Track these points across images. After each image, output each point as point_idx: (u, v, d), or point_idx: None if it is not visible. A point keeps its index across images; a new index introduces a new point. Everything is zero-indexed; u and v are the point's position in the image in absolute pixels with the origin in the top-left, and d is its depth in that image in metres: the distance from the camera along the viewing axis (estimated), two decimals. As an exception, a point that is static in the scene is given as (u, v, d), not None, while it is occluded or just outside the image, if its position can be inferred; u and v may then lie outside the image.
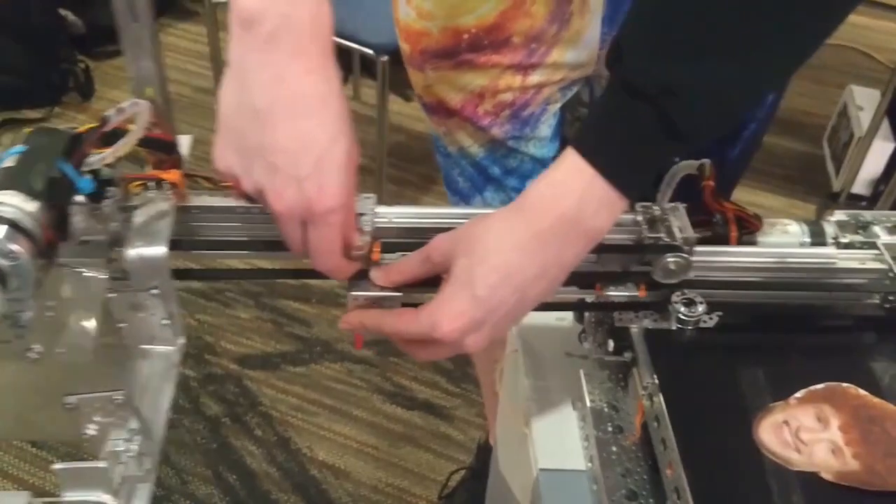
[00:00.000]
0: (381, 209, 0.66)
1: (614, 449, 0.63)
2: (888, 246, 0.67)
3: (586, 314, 0.69)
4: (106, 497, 0.53)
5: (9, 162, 0.55)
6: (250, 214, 0.65)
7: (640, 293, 0.64)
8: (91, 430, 0.56)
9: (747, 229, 0.67)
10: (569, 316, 0.72)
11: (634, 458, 0.62)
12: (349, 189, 0.56)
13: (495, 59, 0.80)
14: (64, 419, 0.56)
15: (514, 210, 0.56)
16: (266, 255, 0.65)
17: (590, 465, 0.64)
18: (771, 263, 0.66)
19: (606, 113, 0.54)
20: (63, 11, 2.32)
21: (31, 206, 0.52)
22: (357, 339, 0.65)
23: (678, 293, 0.64)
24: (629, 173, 0.54)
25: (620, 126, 0.53)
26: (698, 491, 0.53)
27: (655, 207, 0.65)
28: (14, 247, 0.50)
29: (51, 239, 0.54)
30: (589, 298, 0.67)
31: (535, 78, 0.82)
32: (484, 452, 1.39)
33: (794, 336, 0.66)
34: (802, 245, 0.68)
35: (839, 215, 0.69)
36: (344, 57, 2.34)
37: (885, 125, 1.94)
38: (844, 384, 0.60)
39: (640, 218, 0.65)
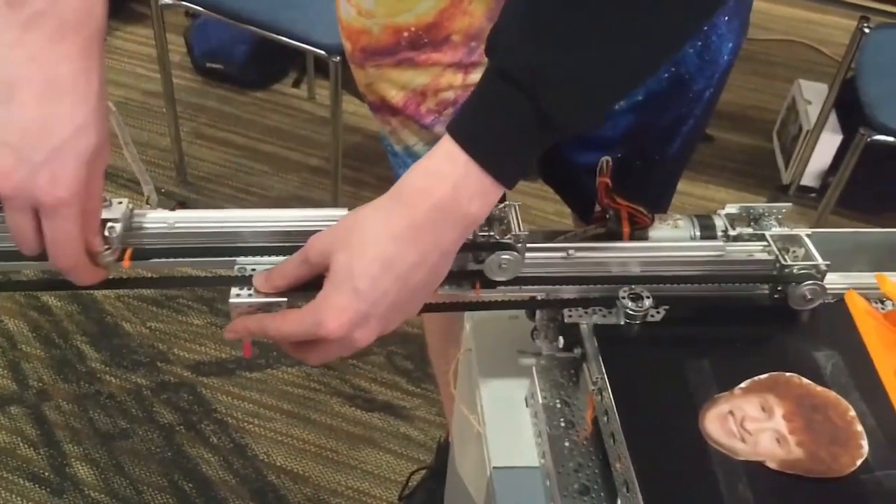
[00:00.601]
0: (138, 212, 0.64)
1: (566, 444, 0.63)
2: (776, 237, 0.67)
3: (538, 312, 0.69)
4: None
5: None
6: None
7: (475, 291, 0.64)
8: None
9: (638, 225, 0.68)
10: (521, 314, 0.72)
11: (586, 453, 0.62)
12: (89, 185, 0.54)
13: (435, 57, 0.80)
14: None
15: (389, 200, 0.56)
16: (9, 265, 0.62)
17: (542, 461, 0.64)
18: (660, 257, 0.67)
19: (481, 100, 0.54)
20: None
21: None
22: (245, 346, 0.64)
23: (625, 288, 0.65)
24: (503, 160, 0.54)
25: (494, 113, 0.54)
26: (646, 483, 0.53)
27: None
28: None
29: None
30: (540, 296, 0.67)
31: (476, 76, 0.82)
32: (444, 452, 1.39)
33: (738, 328, 0.66)
34: (693, 238, 0.69)
35: (730, 208, 0.70)
36: (298, 58, 2.33)
37: (833, 118, 1.98)
38: (787, 374, 0.61)
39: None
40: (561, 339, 0.67)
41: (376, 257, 0.54)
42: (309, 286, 0.58)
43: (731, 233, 0.69)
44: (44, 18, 0.52)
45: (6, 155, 0.52)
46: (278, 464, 1.49)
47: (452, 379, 0.83)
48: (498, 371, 0.73)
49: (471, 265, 0.64)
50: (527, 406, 0.69)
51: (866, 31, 1.75)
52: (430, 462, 1.46)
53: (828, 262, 0.65)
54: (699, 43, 0.83)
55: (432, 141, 0.88)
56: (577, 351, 0.65)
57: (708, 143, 2.20)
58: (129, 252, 0.61)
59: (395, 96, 0.84)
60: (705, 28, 0.83)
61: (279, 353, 1.66)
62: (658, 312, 0.64)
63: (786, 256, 0.66)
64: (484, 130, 0.54)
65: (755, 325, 0.67)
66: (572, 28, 0.51)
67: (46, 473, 1.45)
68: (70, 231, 0.55)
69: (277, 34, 1.69)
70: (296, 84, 2.36)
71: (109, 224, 0.60)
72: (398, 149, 0.91)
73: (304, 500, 1.44)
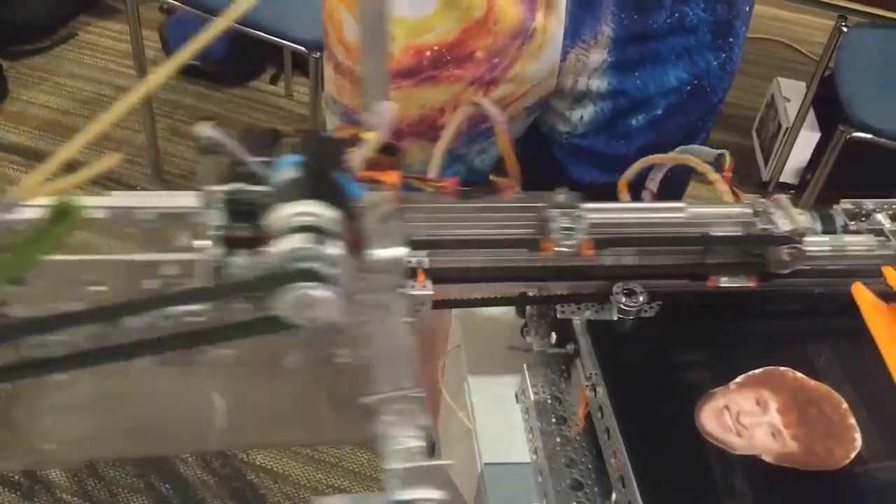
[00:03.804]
0: None
1: (558, 440, 0.63)
2: (894, 232, 0.67)
3: (528, 307, 0.69)
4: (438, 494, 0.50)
5: (290, 172, 0.52)
6: (469, 213, 0.63)
7: (752, 283, 0.64)
8: (381, 429, 0.53)
9: None
10: (510, 310, 0.72)
11: (579, 449, 0.62)
12: None
13: (458, 73, 0.79)
14: (351, 421, 0.55)
15: None
16: (502, 253, 0.62)
17: (534, 457, 0.64)
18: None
19: None
20: (-25, 9, 2.23)
21: (333, 213, 0.49)
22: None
23: (619, 284, 0.64)
24: None
25: None
26: (643, 478, 0.53)
27: (762, 199, 0.66)
28: (334, 251, 0.47)
29: (356, 244, 0.51)
30: (531, 292, 0.66)
31: (497, 93, 0.81)
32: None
33: (732, 322, 0.66)
34: (816, 234, 0.68)
35: (845, 204, 0.70)
36: (274, 55, 2.31)
37: (811, 116, 2.00)
38: (782, 368, 0.61)
39: (749, 210, 0.65)
40: (553, 335, 0.66)
41: None
42: None
43: (851, 227, 0.68)
44: None
45: None
46: (258, 463, 1.47)
47: (441, 375, 0.83)
48: (487, 367, 0.72)
49: (747, 258, 0.64)
50: (517, 402, 0.69)
51: (844, 29, 1.77)
52: (412, 460, 1.46)
53: None
54: (723, 55, 0.84)
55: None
56: (570, 347, 0.65)
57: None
58: None
59: (413, 115, 0.83)
60: (730, 39, 0.83)
61: (259, 351, 1.65)
62: (651, 308, 0.64)
63: None
64: None
65: (749, 319, 0.67)
66: None
67: (16, 477, 1.42)
68: None
69: (256, 30, 1.67)
70: (273, 81, 2.34)
71: None
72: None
73: (284, 500, 1.43)
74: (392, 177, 0.58)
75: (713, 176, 0.70)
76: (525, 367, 0.68)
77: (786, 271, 0.63)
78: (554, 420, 0.64)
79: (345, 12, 0.81)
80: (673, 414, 0.58)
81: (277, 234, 0.47)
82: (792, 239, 0.62)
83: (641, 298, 0.63)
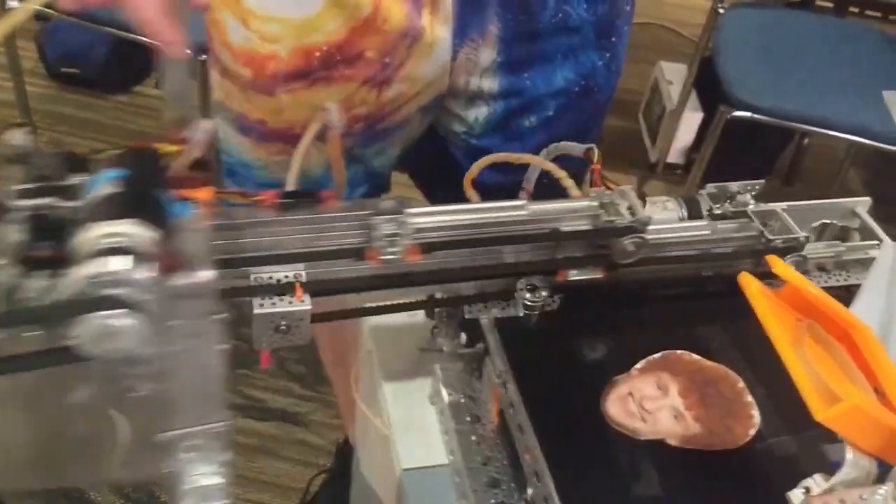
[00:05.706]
0: None
1: (474, 439, 0.64)
2: (756, 213, 0.70)
3: (437, 309, 0.69)
4: None
5: (110, 187, 0.48)
6: (288, 227, 0.61)
7: (600, 274, 0.65)
8: (175, 466, 0.51)
9: None
10: (420, 312, 0.72)
11: (494, 446, 0.63)
12: None
13: (349, 73, 0.78)
14: (142, 458, 0.51)
15: None
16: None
17: (451, 458, 0.64)
18: (655, 239, 0.67)
19: None
20: None
21: (150, 233, 0.46)
22: (263, 356, 0.61)
23: (523, 280, 0.65)
24: None
25: None
26: (556, 472, 0.54)
27: (607, 192, 0.67)
28: (144, 275, 0.44)
29: (172, 266, 0.48)
30: (438, 294, 0.66)
31: (390, 93, 0.81)
32: (344, 454, 1.37)
33: (630, 310, 0.68)
34: (681, 219, 0.70)
35: (710, 188, 0.72)
36: (158, 58, 2.22)
37: (693, 97, 2.07)
38: (679, 351, 0.63)
39: (595, 203, 0.66)
40: (463, 336, 0.67)
41: None
42: None
43: (716, 211, 0.70)
44: None
45: None
46: (172, 483, 1.43)
47: (354, 383, 0.82)
48: (400, 371, 0.72)
49: (594, 251, 0.65)
50: (431, 404, 0.69)
51: (721, 11, 1.83)
52: (330, 465, 1.45)
53: (807, 235, 0.68)
54: (608, 54, 0.85)
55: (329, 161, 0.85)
56: (480, 345, 0.66)
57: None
58: None
59: (305, 117, 0.79)
60: (613, 39, 0.85)
61: (164, 367, 1.60)
62: (554, 301, 0.66)
63: (765, 231, 0.68)
64: None
65: (646, 305, 0.69)
66: None
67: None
68: None
69: (134, 33, 1.61)
70: (159, 85, 2.27)
71: None
72: (281, 178, 0.87)
73: (202, 518, 1.39)
74: (204, 193, 0.55)
75: (567, 182, 0.71)
76: (438, 368, 0.68)
77: (630, 260, 0.65)
78: (469, 419, 0.65)
79: (227, 14, 0.79)
80: (582, 405, 0.60)
81: (85, 256, 0.44)
82: (635, 229, 0.64)
83: (545, 293, 0.64)
